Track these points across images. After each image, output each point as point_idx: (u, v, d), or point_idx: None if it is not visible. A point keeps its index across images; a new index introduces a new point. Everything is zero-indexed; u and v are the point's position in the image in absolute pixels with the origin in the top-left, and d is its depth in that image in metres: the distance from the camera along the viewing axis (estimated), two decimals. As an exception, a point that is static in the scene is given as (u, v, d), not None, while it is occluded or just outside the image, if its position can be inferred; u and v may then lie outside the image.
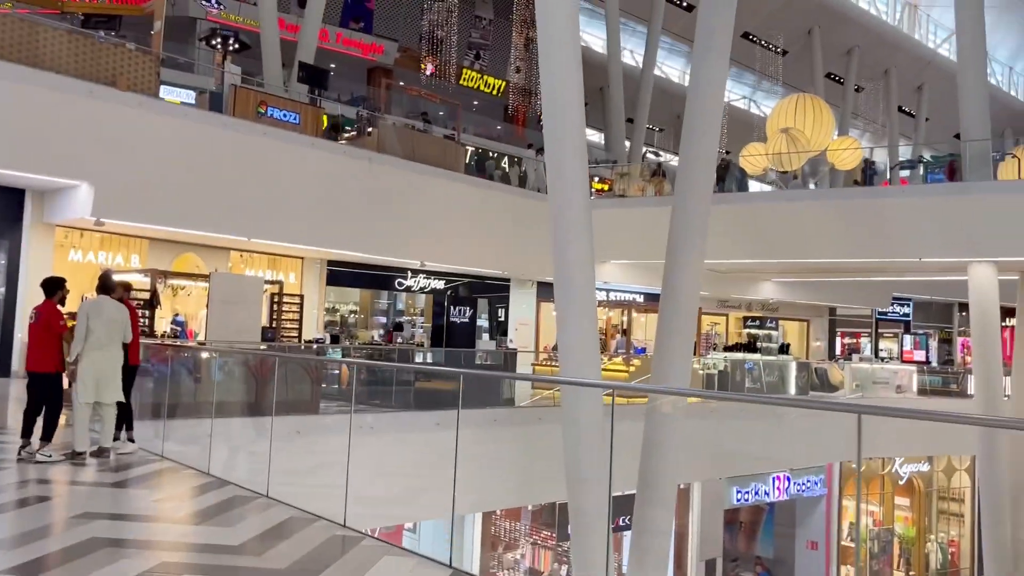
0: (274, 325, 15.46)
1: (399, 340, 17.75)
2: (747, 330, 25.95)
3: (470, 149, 21.19)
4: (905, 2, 38.00)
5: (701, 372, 16.36)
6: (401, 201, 16.99)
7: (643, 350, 19.27)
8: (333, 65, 22.64)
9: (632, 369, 15.73)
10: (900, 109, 37.39)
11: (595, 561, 11.07)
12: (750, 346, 22.52)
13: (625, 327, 20.21)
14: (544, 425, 12.47)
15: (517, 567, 17.93)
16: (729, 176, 20.05)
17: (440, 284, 20.64)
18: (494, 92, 30.06)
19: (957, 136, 38.82)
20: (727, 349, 21.68)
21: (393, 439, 11.17)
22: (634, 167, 25.04)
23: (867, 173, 22.04)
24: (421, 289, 20.27)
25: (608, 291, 23.36)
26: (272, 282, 16.16)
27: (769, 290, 24.39)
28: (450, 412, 12.09)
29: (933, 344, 29.67)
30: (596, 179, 24.00)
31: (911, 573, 23.40)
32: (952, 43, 40.16)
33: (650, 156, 28.64)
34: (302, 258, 17.96)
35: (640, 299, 24.02)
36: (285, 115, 15.61)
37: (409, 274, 19.92)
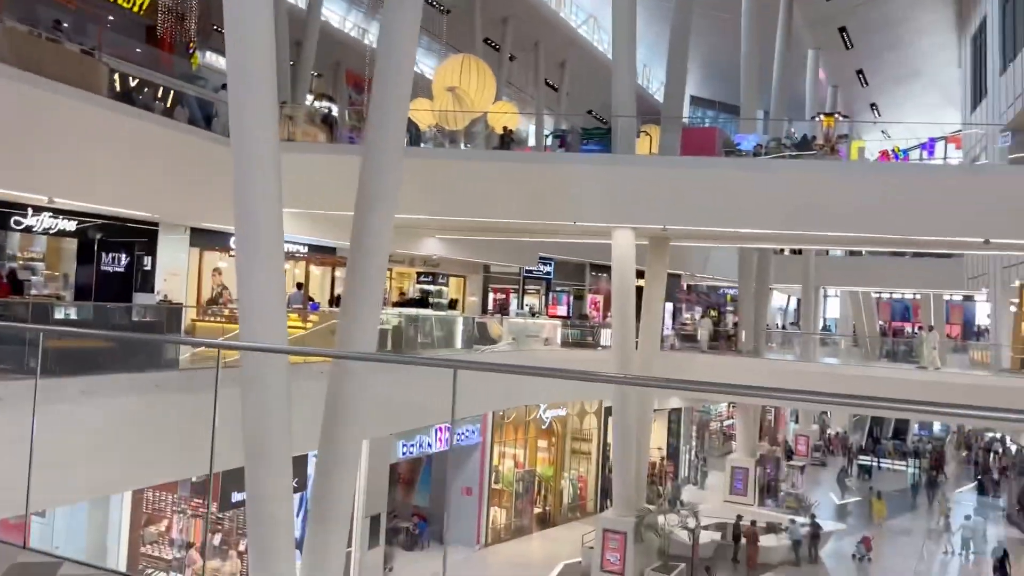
0: None
1: (32, 293, 14.77)
2: (420, 286, 26.19)
3: (120, 72, 18.19)
4: (553, -20, 40.57)
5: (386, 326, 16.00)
6: (22, 122, 14.00)
7: (317, 305, 18.39)
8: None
9: (309, 326, 14.85)
10: (546, 82, 40.05)
11: (276, 530, 10.28)
12: (422, 302, 22.73)
13: (300, 280, 19.08)
14: (211, 391, 11.16)
15: (163, 540, 16.28)
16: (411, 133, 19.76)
17: (71, 225, 17.60)
18: (135, 8, 26.29)
19: (590, 111, 42.68)
20: (397, 304, 21.61)
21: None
22: (298, 108, 23.64)
23: (505, 141, 23.03)
24: (47, 230, 17.11)
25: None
26: None
27: (433, 246, 24.76)
28: (101, 378, 10.37)
29: (568, 300, 32.82)
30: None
31: (547, 507, 25.75)
32: (590, 25, 44.09)
33: (318, 104, 27.30)
34: None
35: (304, 251, 22.93)
36: None
37: (31, 212, 16.67)
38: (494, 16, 36.19)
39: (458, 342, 19.22)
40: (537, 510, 25.33)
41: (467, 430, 21.79)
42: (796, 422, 42.61)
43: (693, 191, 18.26)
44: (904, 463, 39.86)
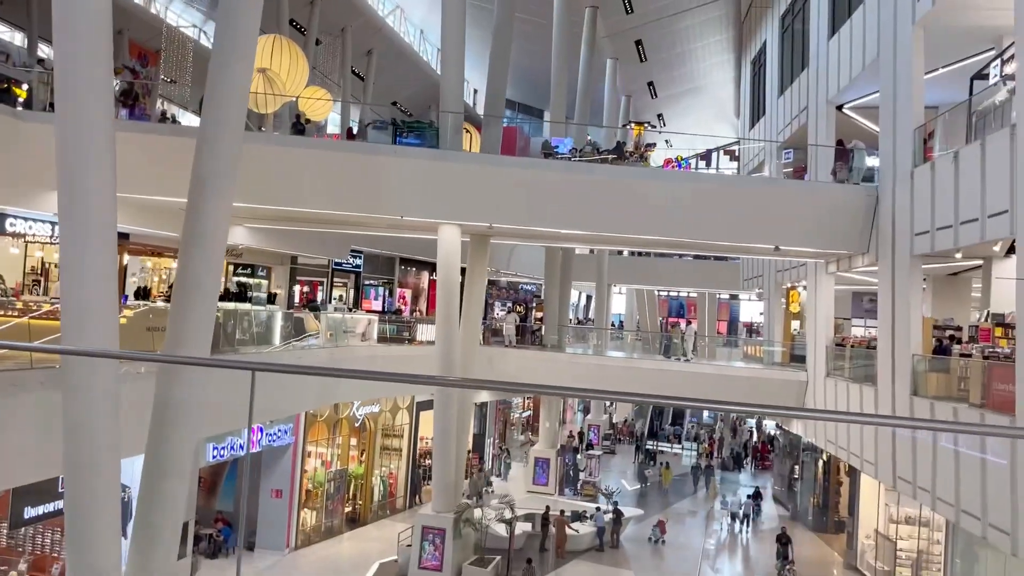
0: None
1: None
2: (237, 278, 24.49)
3: None
4: (360, -35, 39.60)
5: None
6: None
7: (126, 297, 16.66)
8: None
9: (122, 320, 13.39)
10: (353, 71, 39.07)
11: (101, 542, 9.26)
12: (241, 295, 21.24)
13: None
14: (20, 395, 9.83)
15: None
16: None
17: None
18: None
19: (395, 103, 42.16)
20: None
21: None
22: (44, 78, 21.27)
23: (297, 127, 22.43)
24: None
25: (54, 224, 19.63)
26: None
27: (240, 235, 23.33)
28: None
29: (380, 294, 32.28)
30: (24, 85, 19.70)
31: (357, 506, 25.18)
32: (397, 16, 43.65)
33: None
34: None
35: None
36: None
37: None
38: (301, -2, 34.77)
39: (276, 338, 18.28)
40: (347, 509, 24.70)
41: (279, 430, 20.76)
42: (587, 413, 44.82)
43: (520, 191, 18.62)
44: (681, 447, 43.22)
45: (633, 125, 21.48)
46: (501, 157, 19.42)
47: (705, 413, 52.22)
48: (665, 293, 58.01)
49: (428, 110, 36.98)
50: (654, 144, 22.03)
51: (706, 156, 24.28)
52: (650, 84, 43.87)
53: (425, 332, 25.37)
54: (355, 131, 24.63)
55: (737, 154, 43.39)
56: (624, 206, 18.81)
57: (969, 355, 14.98)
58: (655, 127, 27.66)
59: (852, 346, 21.37)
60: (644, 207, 18.79)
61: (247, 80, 11.69)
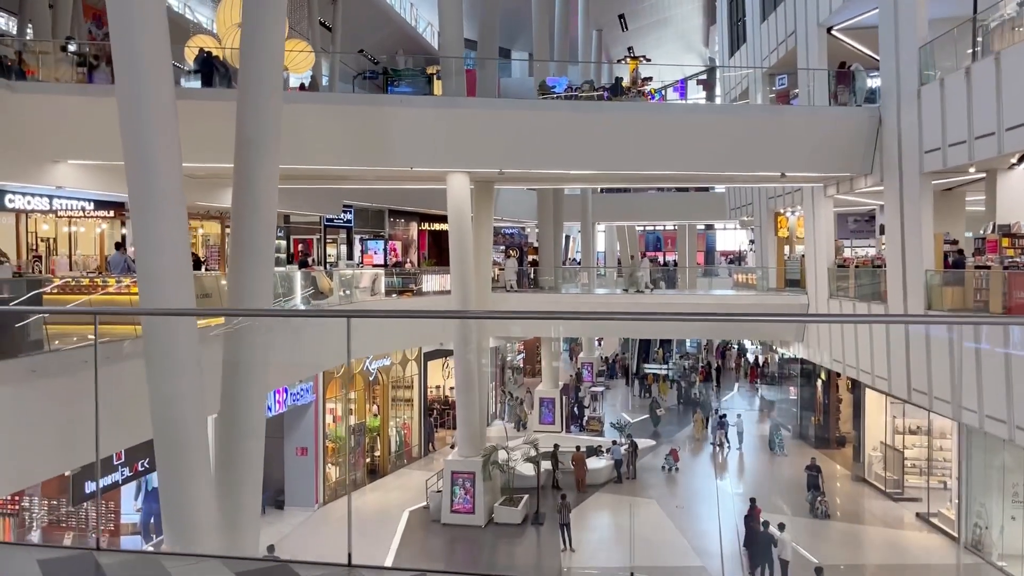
0: None
1: None
2: None
3: None
4: (322, -89, 38.29)
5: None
6: None
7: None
8: None
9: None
10: (320, 22, 38.05)
11: (194, 502, 9.38)
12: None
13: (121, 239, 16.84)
14: (90, 369, 9.76)
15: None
16: (217, 74, 17.96)
17: None
18: None
19: (361, 51, 41.21)
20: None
21: None
22: (44, 44, 20.50)
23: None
24: None
25: (52, 197, 19.14)
26: None
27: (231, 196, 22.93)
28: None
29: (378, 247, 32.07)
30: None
31: (376, 458, 25.47)
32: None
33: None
34: None
35: (90, 207, 20.36)
36: None
37: None
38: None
39: (298, 297, 18.19)
40: (366, 461, 24.98)
41: (301, 389, 20.83)
42: (573, 356, 45.40)
43: (529, 133, 18.53)
44: (668, 368, 43.98)
45: (628, 60, 21.35)
46: (508, 100, 19.39)
47: (688, 342, 53.04)
48: (641, 228, 58.40)
49: (396, 55, 36.34)
50: (651, 78, 21.96)
51: (680, 87, 24.27)
52: (621, 17, 43.49)
53: (429, 283, 25.36)
54: (306, 85, 23.90)
55: (712, 82, 43.42)
56: (632, 142, 18.84)
57: (987, 267, 15.46)
58: (650, 60, 27.50)
59: (857, 266, 21.86)
60: (651, 142, 18.84)
61: (281, 39, 11.44)
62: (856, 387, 24.92)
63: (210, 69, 18.07)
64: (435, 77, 21.44)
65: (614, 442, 25.73)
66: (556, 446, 24.72)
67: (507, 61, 22.59)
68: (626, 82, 22.13)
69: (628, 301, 26.25)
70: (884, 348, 19.30)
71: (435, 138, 18.30)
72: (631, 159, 19.28)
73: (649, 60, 27.00)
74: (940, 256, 17.52)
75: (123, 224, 22.54)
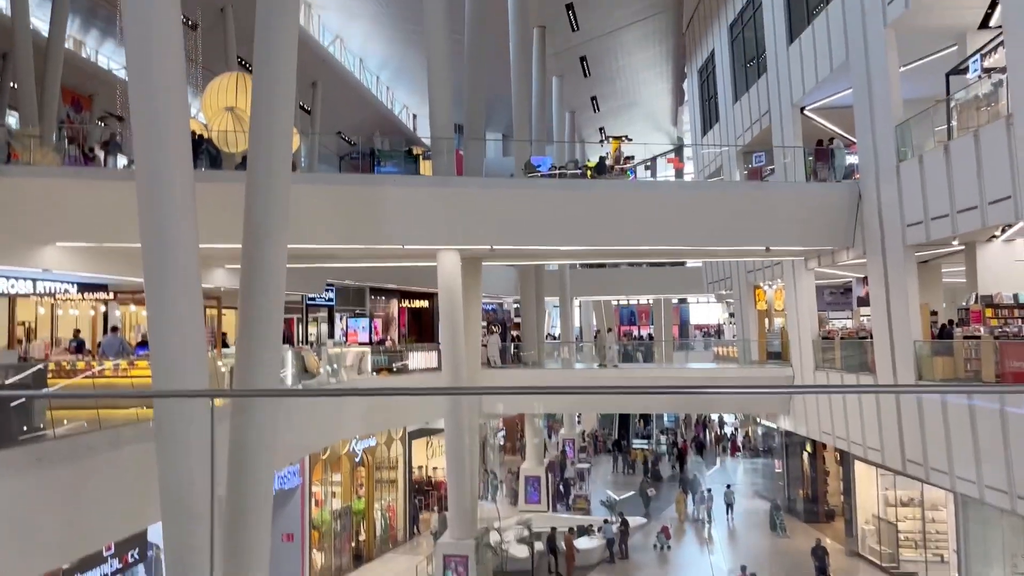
0: None
1: None
2: None
3: None
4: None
5: (224, 369, 14.34)
6: None
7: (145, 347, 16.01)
8: None
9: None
10: (300, 106, 38.60)
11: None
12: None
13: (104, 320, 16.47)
14: (95, 457, 9.45)
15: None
16: (208, 156, 18.08)
17: None
18: None
19: (339, 133, 41.72)
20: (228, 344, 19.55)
21: None
22: (30, 131, 20.54)
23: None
24: None
25: (36, 280, 18.83)
26: None
27: (220, 277, 22.75)
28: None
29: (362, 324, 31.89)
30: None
31: (361, 542, 24.70)
32: (337, 46, 43.33)
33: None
34: None
35: (73, 289, 20.03)
36: None
37: None
38: (246, 32, 34.19)
39: (289, 377, 17.90)
40: (351, 546, 24.21)
41: (288, 472, 20.28)
42: (551, 434, 44.95)
43: (519, 211, 18.75)
44: (647, 444, 43.80)
45: (611, 140, 21.92)
46: (499, 179, 19.68)
47: (666, 417, 52.91)
48: (616, 302, 58.80)
49: (374, 136, 36.83)
50: (632, 157, 22.49)
51: (651, 165, 24.91)
52: (593, 99, 44.74)
53: (415, 360, 25.10)
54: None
55: (681, 161, 44.49)
56: (621, 218, 19.14)
57: (976, 336, 15.74)
58: (631, 139, 28.23)
59: (842, 338, 22.12)
60: (641, 218, 19.16)
61: (290, 121, 11.56)
62: (844, 459, 24.90)
63: (199, 151, 18.16)
64: (421, 157, 21.79)
65: (605, 520, 25.29)
66: (554, 529, 23.79)
67: (483, 141, 23.16)
68: (609, 161, 22.61)
69: (612, 375, 26.20)
70: (875, 419, 19.37)
71: (427, 216, 18.45)
72: (620, 235, 19.54)
73: (631, 139, 27.68)
74: (928, 327, 17.82)
75: (105, 304, 22.25)
